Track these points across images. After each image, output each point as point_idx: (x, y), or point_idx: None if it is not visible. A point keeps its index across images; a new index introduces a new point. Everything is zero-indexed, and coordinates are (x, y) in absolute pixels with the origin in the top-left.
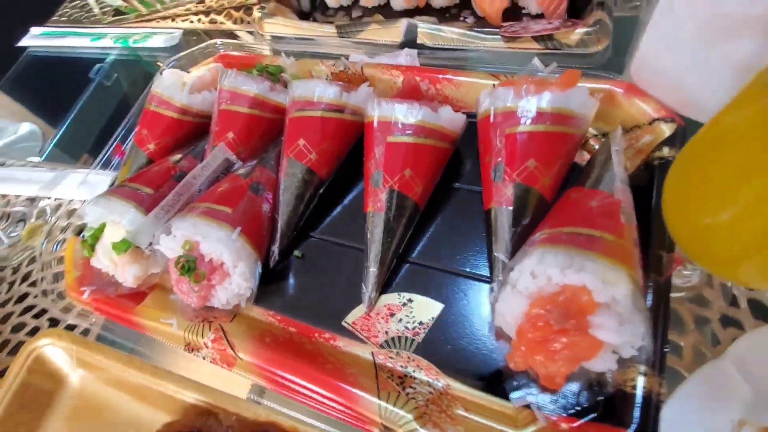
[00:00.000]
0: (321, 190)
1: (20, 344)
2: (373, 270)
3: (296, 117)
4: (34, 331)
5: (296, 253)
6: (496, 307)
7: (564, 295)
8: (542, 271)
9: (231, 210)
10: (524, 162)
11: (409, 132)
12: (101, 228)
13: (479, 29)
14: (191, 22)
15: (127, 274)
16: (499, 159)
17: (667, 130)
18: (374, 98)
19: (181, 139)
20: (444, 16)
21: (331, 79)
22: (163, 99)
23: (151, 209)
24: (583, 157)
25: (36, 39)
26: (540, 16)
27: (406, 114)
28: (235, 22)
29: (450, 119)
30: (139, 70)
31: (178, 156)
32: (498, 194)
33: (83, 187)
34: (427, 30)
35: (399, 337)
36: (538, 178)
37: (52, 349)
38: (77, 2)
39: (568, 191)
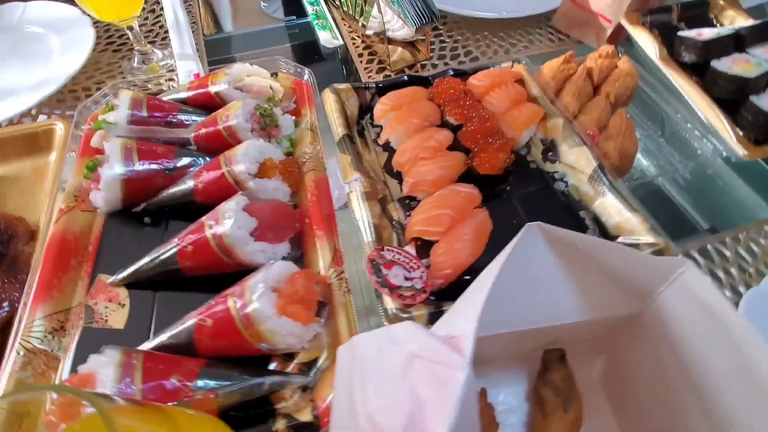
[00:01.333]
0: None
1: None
2: None
3: (219, 159)
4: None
5: (145, 219)
6: None
7: None
8: None
9: (138, 163)
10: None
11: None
12: (112, 107)
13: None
14: (354, 42)
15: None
16: None
17: None
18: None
19: (201, 106)
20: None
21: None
22: (217, 79)
23: (136, 125)
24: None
25: None
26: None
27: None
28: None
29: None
30: (310, 44)
31: (186, 110)
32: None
33: (187, 75)
34: (354, 199)
35: None
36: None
37: (58, 129)
38: None
39: None
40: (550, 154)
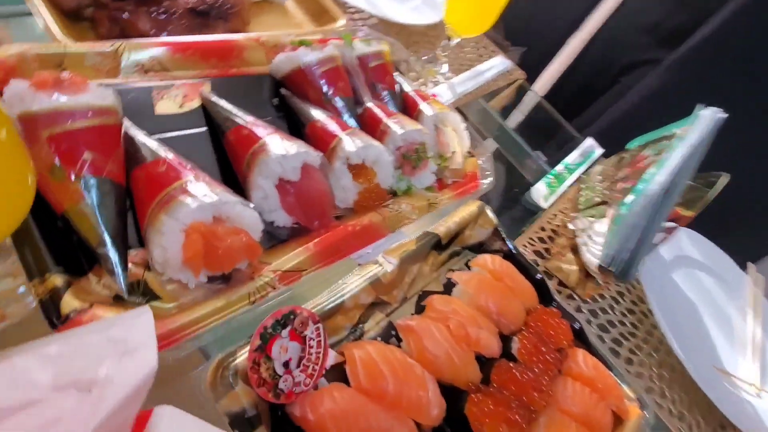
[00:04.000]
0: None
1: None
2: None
3: (350, 127)
4: None
5: (274, 100)
6: None
7: None
8: None
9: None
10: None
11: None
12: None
13: None
14: (550, 218)
15: None
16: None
17: None
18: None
19: (406, 106)
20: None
21: None
22: (434, 105)
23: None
24: None
25: None
26: None
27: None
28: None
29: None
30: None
31: (394, 94)
32: None
33: (437, 93)
34: (368, 271)
35: None
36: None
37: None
38: None
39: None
40: None
